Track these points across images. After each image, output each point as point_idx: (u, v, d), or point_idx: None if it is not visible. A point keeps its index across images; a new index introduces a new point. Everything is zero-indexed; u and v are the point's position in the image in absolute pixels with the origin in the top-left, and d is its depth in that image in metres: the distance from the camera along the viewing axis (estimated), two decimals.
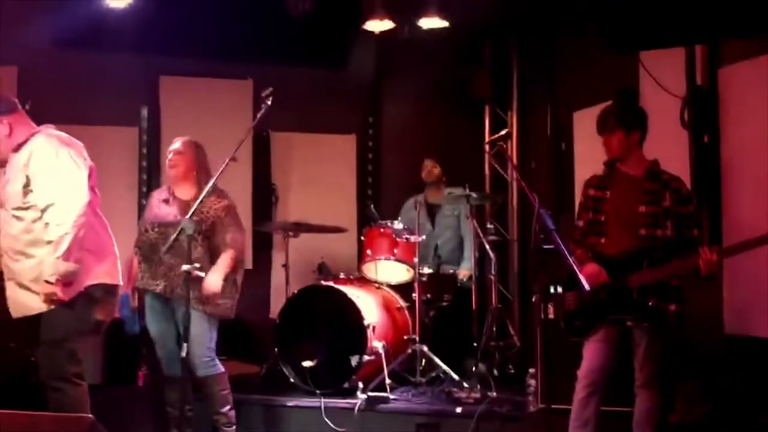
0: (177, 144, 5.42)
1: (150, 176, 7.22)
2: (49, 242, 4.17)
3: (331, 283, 6.27)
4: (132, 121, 7.33)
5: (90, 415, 3.32)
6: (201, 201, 4.43)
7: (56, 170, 4.21)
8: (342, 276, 6.54)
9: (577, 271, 4.05)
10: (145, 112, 7.36)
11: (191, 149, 5.40)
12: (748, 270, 5.24)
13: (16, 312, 4.34)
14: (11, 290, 4.35)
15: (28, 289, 4.26)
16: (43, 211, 4.18)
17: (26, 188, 4.22)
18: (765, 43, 5.32)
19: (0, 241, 4.35)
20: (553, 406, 4.34)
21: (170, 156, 5.40)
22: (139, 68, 7.23)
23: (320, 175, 7.91)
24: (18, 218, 4.26)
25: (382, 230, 6.50)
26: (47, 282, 4.16)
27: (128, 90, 7.19)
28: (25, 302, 4.28)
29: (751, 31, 5.23)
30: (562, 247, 4.02)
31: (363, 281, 6.59)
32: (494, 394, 5.70)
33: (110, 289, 4.43)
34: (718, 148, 5.69)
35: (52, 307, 4.23)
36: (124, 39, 6.65)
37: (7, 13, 6.65)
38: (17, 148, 4.33)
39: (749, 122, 5.47)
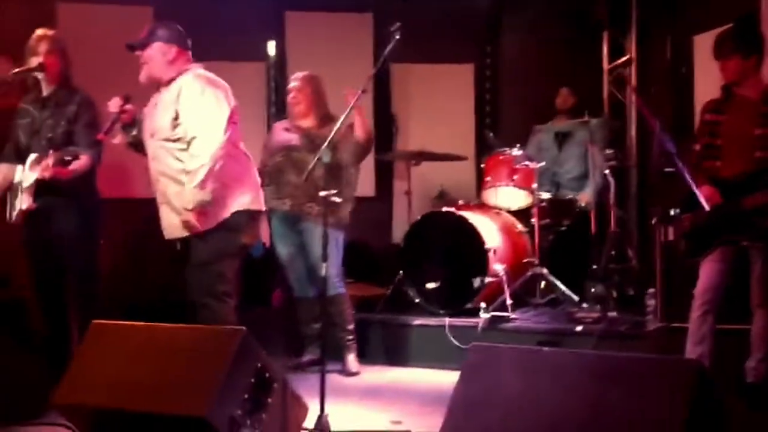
0: (295, 81, 5.66)
1: (278, 109, 7.40)
2: (189, 172, 4.39)
3: (452, 209, 6.36)
4: (260, 56, 7.61)
5: (244, 327, 3.45)
6: (337, 130, 4.61)
7: (200, 107, 4.42)
8: (461, 202, 6.59)
9: (697, 192, 4.14)
10: (272, 46, 7.62)
11: (309, 84, 5.64)
12: None
13: (167, 234, 4.59)
14: (164, 213, 4.57)
15: (177, 213, 4.47)
16: (188, 143, 4.40)
17: (175, 121, 4.44)
18: None
19: (153, 167, 4.59)
20: (671, 325, 4.47)
21: (291, 94, 5.66)
22: (265, 4, 7.45)
23: (439, 105, 7.99)
24: (166, 149, 4.49)
25: (501, 157, 6.53)
26: (186, 209, 4.40)
27: (256, 26, 7.43)
28: (176, 225, 4.51)
29: None
30: (682, 169, 4.11)
31: (483, 207, 6.65)
32: (614, 314, 5.69)
33: (254, 215, 4.64)
34: None
35: (189, 233, 4.45)
36: None
37: None
38: (167, 84, 4.55)
39: None
